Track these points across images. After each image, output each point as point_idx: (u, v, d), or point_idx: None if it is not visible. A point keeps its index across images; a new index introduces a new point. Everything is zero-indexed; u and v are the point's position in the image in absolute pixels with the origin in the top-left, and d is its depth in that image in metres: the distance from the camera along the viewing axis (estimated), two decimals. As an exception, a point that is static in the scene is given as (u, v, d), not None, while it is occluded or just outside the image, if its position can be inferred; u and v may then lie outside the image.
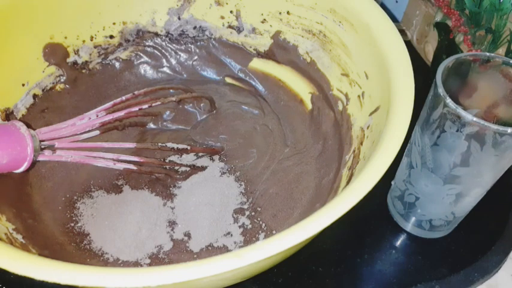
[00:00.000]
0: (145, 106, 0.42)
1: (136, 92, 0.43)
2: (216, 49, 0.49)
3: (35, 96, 0.43)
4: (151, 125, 0.45)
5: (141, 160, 0.40)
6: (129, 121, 0.44)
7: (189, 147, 0.43)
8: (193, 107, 0.46)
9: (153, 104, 0.43)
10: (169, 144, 0.43)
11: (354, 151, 0.37)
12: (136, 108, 0.42)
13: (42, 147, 0.37)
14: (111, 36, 0.46)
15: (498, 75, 0.33)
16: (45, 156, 0.37)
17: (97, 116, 0.41)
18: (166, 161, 0.42)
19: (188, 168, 0.42)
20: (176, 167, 0.42)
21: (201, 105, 0.46)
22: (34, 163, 0.36)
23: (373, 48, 0.35)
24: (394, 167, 0.36)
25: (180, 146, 0.43)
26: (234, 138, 0.44)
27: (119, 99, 0.42)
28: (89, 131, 0.41)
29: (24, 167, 0.35)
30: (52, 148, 0.38)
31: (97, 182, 0.41)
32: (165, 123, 0.45)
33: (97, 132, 0.41)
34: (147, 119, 0.45)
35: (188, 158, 0.43)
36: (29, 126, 0.37)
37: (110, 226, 0.38)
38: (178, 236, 0.38)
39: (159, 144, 0.42)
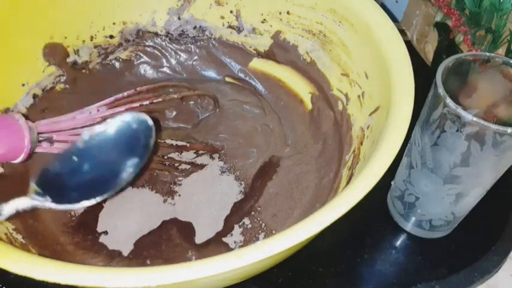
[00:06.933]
0: (146, 102, 0.42)
1: (138, 89, 0.43)
2: (216, 49, 0.49)
3: (35, 96, 0.43)
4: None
5: None
6: (131, 117, 0.44)
7: (188, 144, 0.43)
8: (195, 106, 0.46)
9: (155, 101, 0.42)
10: (168, 141, 0.43)
11: (354, 151, 0.37)
12: (137, 104, 0.42)
13: (41, 139, 0.37)
14: (111, 36, 0.46)
15: (498, 75, 0.33)
16: (43, 148, 0.37)
17: (98, 110, 0.41)
18: (165, 158, 0.42)
19: (188, 166, 0.42)
20: (176, 164, 0.42)
21: (204, 103, 0.46)
22: (31, 154, 0.36)
23: (373, 48, 0.35)
24: (394, 167, 0.36)
25: (179, 143, 0.43)
26: (234, 137, 0.44)
27: (120, 95, 0.42)
28: (89, 125, 0.40)
29: (21, 157, 0.36)
30: (50, 140, 0.38)
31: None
32: (167, 121, 0.45)
33: (97, 126, 0.41)
34: (150, 115, 0.45)
35: (187, 156, 0.43)
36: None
37: (111, 225, 0.38)
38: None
39: (158, 140, 0.42)
